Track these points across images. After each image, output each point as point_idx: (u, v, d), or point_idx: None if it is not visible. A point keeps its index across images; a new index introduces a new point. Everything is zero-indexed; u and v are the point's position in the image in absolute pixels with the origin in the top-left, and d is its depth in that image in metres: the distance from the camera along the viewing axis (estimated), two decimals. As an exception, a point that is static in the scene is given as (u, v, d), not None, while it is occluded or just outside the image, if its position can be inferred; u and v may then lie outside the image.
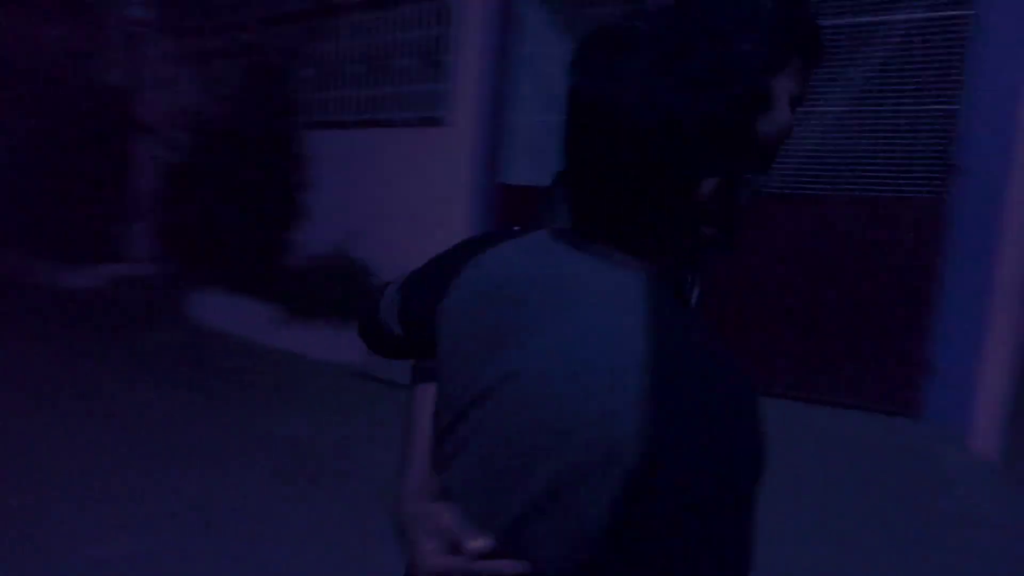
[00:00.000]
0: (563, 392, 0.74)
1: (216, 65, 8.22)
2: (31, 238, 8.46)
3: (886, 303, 4.72)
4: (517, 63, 6.22)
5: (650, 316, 0.75)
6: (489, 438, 0.82)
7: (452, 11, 6.24)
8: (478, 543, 0.80)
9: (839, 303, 4.86)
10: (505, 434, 0.79)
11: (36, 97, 8.43)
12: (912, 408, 4.60)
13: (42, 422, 4.46)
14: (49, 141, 8.39)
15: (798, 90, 1.17)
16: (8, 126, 8.42)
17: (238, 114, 7.21)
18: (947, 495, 3.88)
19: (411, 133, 6.50)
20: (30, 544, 3.06)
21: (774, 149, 1.15)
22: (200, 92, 8.14)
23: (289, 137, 7.16)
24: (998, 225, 4.56)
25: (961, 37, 4.50)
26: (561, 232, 0.87)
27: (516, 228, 0.98)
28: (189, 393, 5.19)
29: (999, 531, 3.53)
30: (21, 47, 8.55)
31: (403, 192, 6.53)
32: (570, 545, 0.74)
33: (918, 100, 4.64)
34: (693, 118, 0.74)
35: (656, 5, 0.80)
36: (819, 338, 4.91)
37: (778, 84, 1.13)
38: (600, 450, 0.71)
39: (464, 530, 0.82)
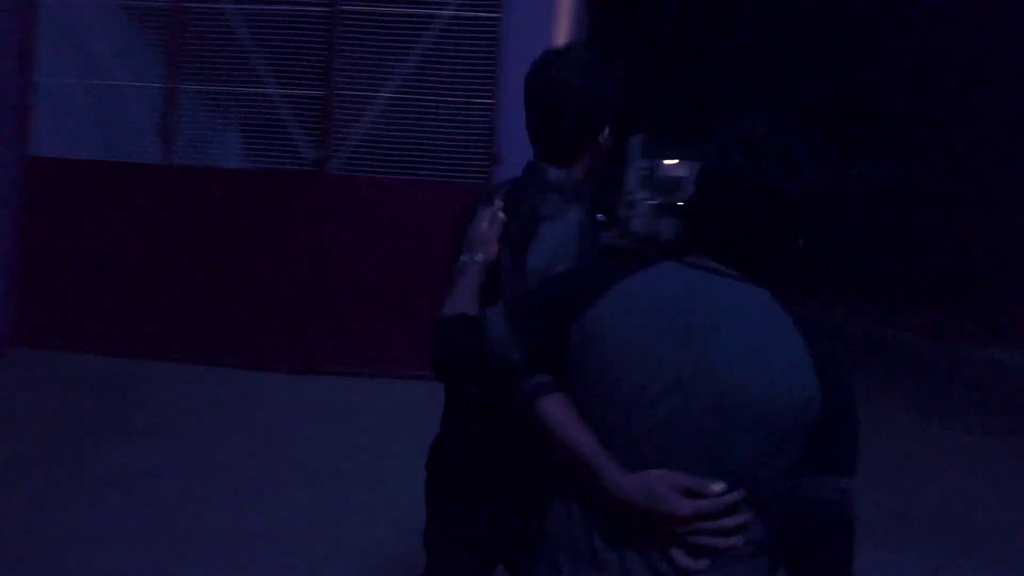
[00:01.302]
0: (759, 374, 1.10)
1: None
2: None
3: (439, 282, 5.02)
4: (43, 18, 5.25)
5: (792, 317, 1.15)
6: (695, 416, 1.11)
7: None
8: (718, 487, 1.09)
9: (399, 281, 5.07)
10: (714, 410, 1.10)
11: None
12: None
13: None
14: None
15: None
16: None
17: None
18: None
19: None
20: None
21: None
22: None
23: None
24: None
25: (492, 35, 4.96)
26: (689, 262, 1.20)
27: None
28: None
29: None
30: None
31: None
32: (779, 477, 1.11)
33: (464, 91, 5.01)
34: (825, 195, 1.18)
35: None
36: (383, 315, 5.08)
37: None
38: (795, 409, 1.09)
39: (700, 481, 1.10)
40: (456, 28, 4.99)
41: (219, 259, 5.17)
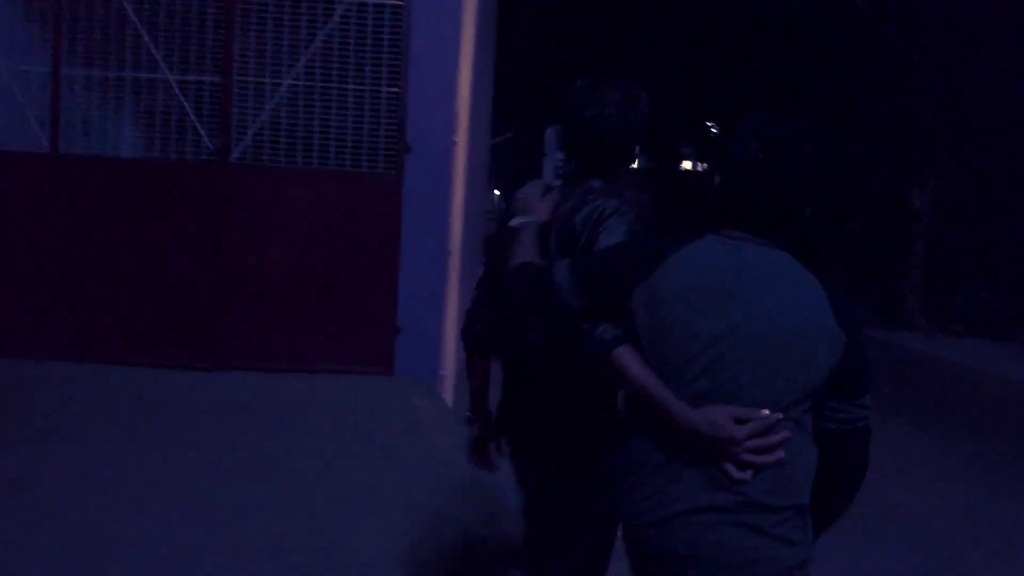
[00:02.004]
0: (797, 317, 1.44)
1: None
2: None
3: (352, 273, 4.98)
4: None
5: (811, 272, 1.49)
6: (744, 356, 1.43)
7: None
8: (767, 411, 1.42)
9: (306, 274, 4.97)
10: (759, 351, 1.43)
11: None
12: (384, 366, 4.99)
13: None
14: None
15: None
16: None
17: None
18: (417, 439, 4.27)
19: None
20: None
21: None
22: None
23: None
24: (446, 197, 5.16)
25: (397, 22, 4.90)
26: (725, 234, 1.53)
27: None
28: None
29: (458, 466, 4.02)
30: None
31: None
32: (811, 397, 1.46)
33: (372, 80, 4.92)
34: (827, 173, 1.54)
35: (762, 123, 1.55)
36: (290, 309, 4.97)
37: None
38: (827, 343, 1.44)
39: (749, 409, 1.42)
40: (360, 14, 4.89)
41: (114, 252, 4.93)
